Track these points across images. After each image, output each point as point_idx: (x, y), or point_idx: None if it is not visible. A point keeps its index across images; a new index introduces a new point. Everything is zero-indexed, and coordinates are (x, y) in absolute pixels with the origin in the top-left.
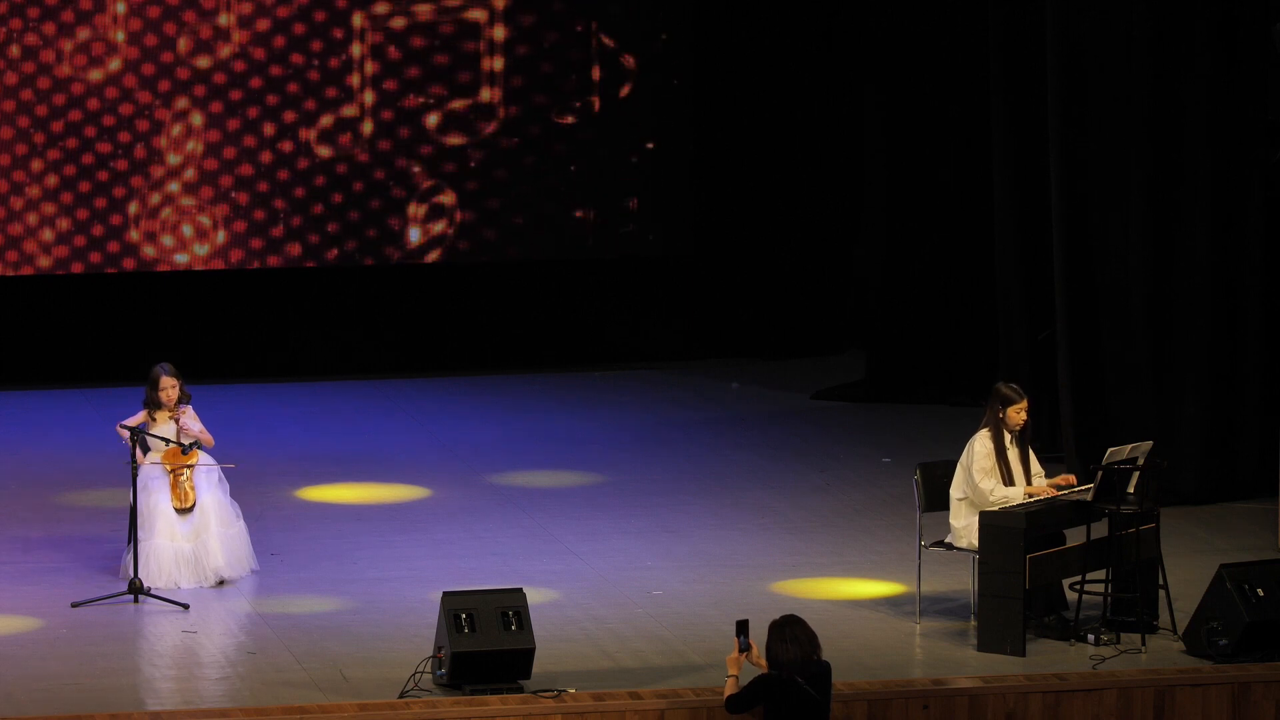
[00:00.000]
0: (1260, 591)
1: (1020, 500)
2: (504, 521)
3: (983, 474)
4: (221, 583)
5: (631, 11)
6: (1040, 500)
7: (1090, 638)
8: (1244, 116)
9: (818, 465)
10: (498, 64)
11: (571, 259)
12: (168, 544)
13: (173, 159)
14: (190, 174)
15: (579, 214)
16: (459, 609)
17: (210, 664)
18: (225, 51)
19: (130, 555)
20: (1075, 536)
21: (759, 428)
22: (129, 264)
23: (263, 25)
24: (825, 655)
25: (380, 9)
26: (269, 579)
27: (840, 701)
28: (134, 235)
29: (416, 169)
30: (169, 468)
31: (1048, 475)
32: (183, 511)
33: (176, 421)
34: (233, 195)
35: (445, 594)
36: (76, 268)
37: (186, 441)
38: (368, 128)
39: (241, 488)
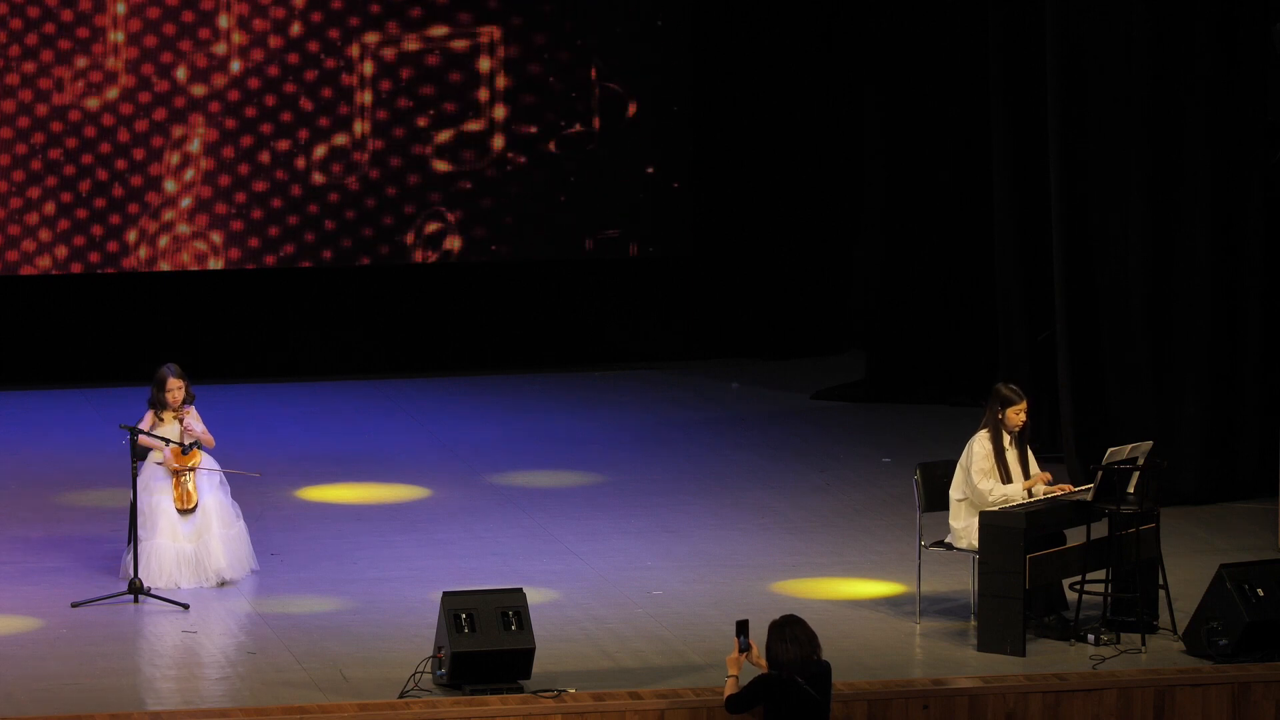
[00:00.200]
0: (1260, 591)
1: (1019, 499)
2: (504, 521)
3: (981, 475)
4: (223, 583)
5: (632, 12)
6: (1040, 500)
7: (1090, 638)
8: (1244, 117)
9: (818, 465)
10: (498, 59)
11: (572, 259)
12: (169, 544)
13: (173, 159)
14: (190, 174)
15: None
16: (459, 609)
17: (210, 664)
18: (223, 49)
19: (130, 555)
20: (1075, 536)
21: (759, 428)
22: (129, 264)
23: (261, 26)
24: (825, 655)
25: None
26: (269, 579)
27: (840, 701)
28: (133, 235)
29: (417, 168)
30: (172, 468)
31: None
32: (185, 512)
33: (180, 422)
34: (233, 195)
35: (445, 594)
36: (76, 268)
37: (187, 442)
38: (368, 129)
39: (242, 488)
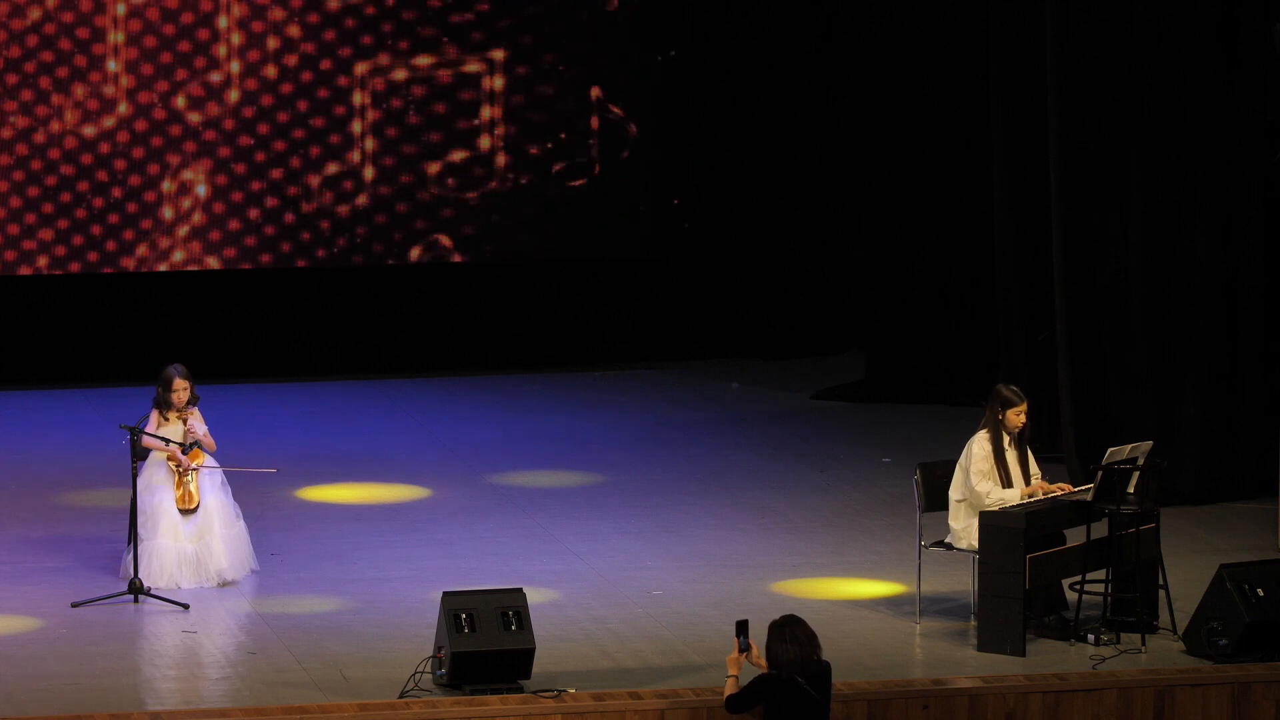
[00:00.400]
0: (1260, 591)
1: (1018, 503)
2: (504, 521)
3: (980, 476)
4: (224, 583)
5: (631, 14)
6: (1040, 500)
7: (1090, 638)
8: (1244, 117)
9: (818, 465)
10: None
11: (572, 259)
12: (170, 544)
13: (173, 159)
14: (190, 174)
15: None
16: (459, 609)
17: (210, 664)
18: (223, 50)
19: (130, 555)
20: (1075, 536)
21: (759, 428)
22: (128, 264)
23: (261, 28)
24: (825, 655)
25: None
26: (269, 579)
27: (840, 701)
28: (133, 235)
29: (417, 170)
30: (175, 468)
31: (1047, 477)
32: (186, 512)
33: (184, 423)
34: (233, 195)
35: (445, 594)
36: (74, 267)
37: (188, 442)
38: (368, 126)
39: (242, 488)
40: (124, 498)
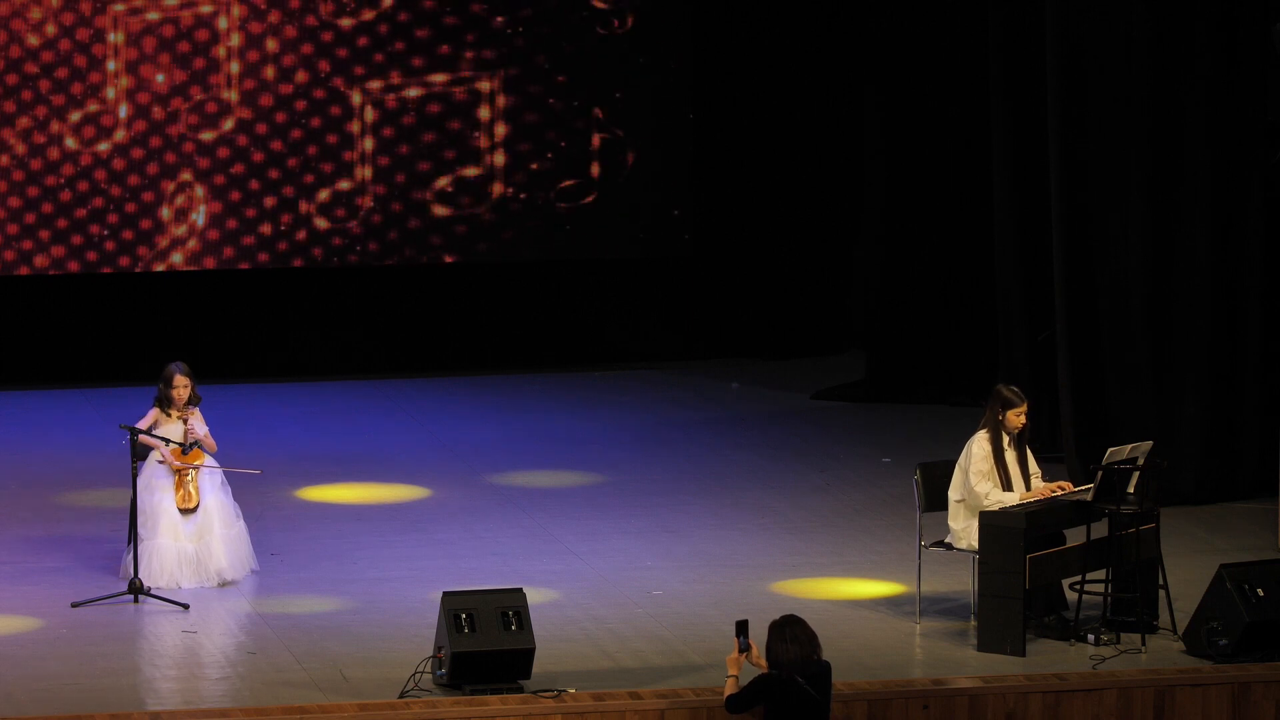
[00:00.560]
0: (1260, 591)
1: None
2: (504, 521)
3: (979, 477)
4: (224, 583)
5: (633, 19)
6: (1040, 500)
7: (1090, 638)
8: (1244, 117)
9: (818, 465)
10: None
11: (571, 259)
12: (171, 544)
13: (172, 159)
14: (188, 174)
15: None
16: (459, 609)
17: (210, 664)
18: (223, 52)
19: (130, 555)
20: (1075, 536)
21: (759, 428)
22: (128, 264)
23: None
24: (825, 655)
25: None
26: (269, 579)
27: (840, 701)
28: (131, 234)
29: (418, 170)
30: (176, 467)
31: (1047, 476)
32: (186, 512)
33: (184, 423)
34: (232, 196)
35: (445, 594)
36: (74, 267)
37: (188, 442)
38: (368, 127)
39: (242, 488)
40: (124, 498)
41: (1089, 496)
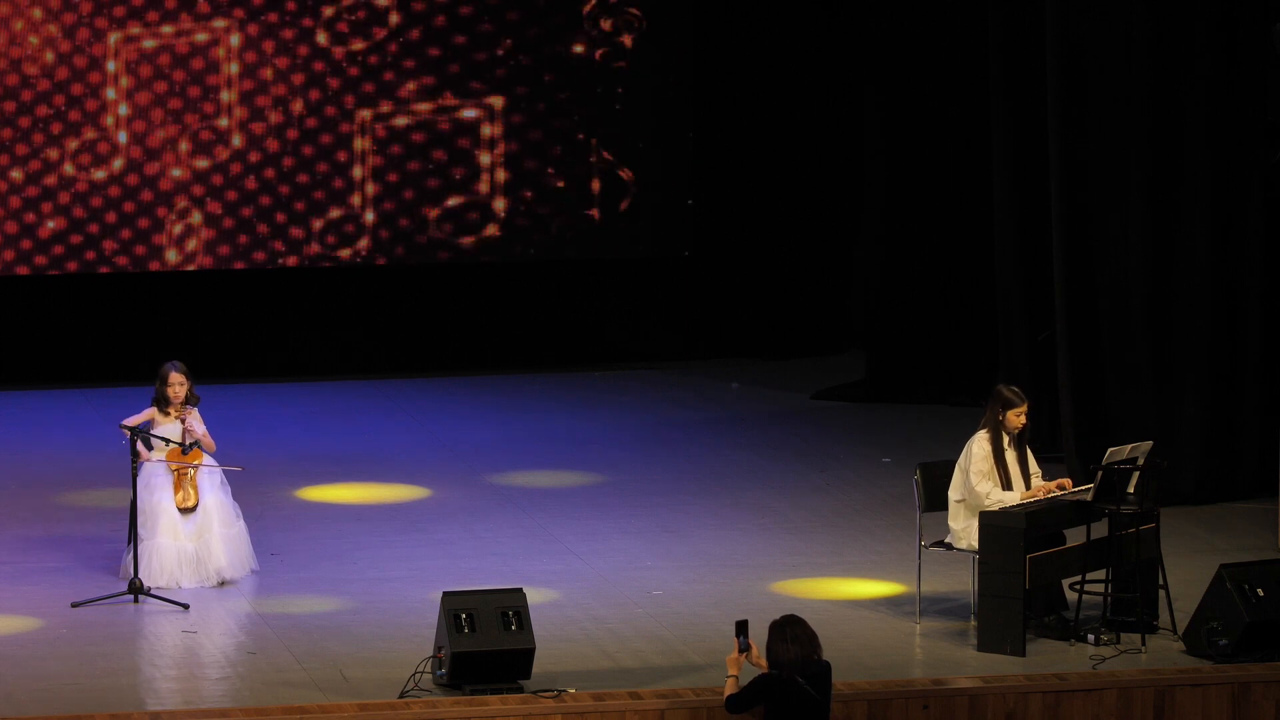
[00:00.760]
0: (1260, 591)
1: (1017, 504)
2: (504, 521)
3: (980, 476)
4: (223, 583)
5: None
6: (1040, 500)
7: (1090, 638)
8: (1244, 117)
9: (818, 465)
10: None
11: (571, 259)
12: (170, 543)
13: (170, 159)
14: (184, 174)
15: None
16: (459, 609)
17: (210, 664)
18: (222, 52)
19: (130, 555)
20: (1075, 536)
21: (759, 428)
22: (128, 264)
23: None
24: (825, 655)
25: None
26: (269, 579)
27: (840, 701)
28: (130, 234)
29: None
30: (173, 467)
31: (1047, 476)
32: (185, 511)
33: (182, 422)
34: (230, 197)
35: (445, 594)
36: (72, 266)
37: (188, 442)
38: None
39: (241, 488)
40: (124, 498)
41: (1089, 496)
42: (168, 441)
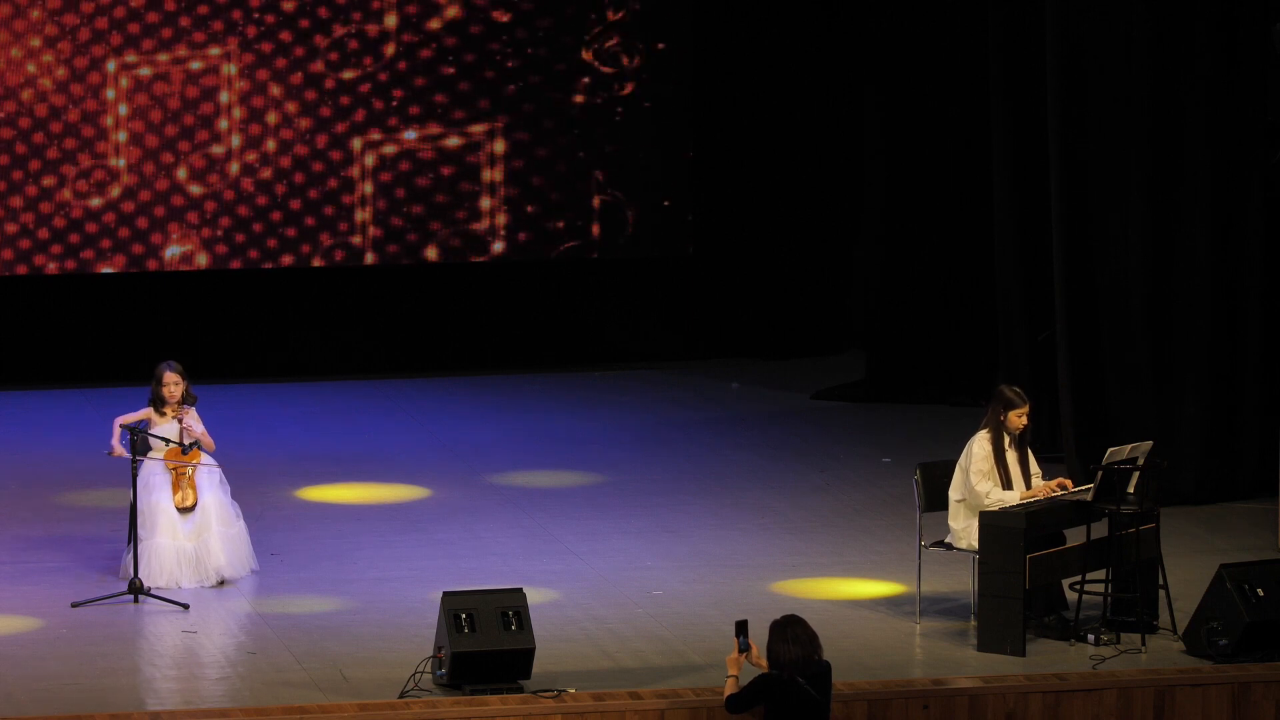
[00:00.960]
0: (1260, 591)
1: (1017, 503)
2: (504, 521)
3: (980, 476)
4: (222, 582)
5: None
6: (1040, 500)
7: (1090, 638)
8: (1244, 117)
9: (818, 465)
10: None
11: (571, 259)
12: (169, 543)
13: (168, 159)
14: (184, 174)
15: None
16: (459, 609)
17: (210, 664)
18: (220, 52)
19: (130, 555)
20: (1075, 536)
21: (759, 428)
22: (128, 264)
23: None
24: (825, 655)
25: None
26: (269, 579)
27: (840, 701)
28: (128, 233)
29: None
30: (170, 467)
31: (1047, 476)
32: (184, 511)
33: (180, 422)
34: (229, 197)
35: (445, 594)
36: (71, 265)
37: (187, 442)
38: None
39: (241, 488)
40: (124, 498)
41: (1089, 496)
42: (167, 441)
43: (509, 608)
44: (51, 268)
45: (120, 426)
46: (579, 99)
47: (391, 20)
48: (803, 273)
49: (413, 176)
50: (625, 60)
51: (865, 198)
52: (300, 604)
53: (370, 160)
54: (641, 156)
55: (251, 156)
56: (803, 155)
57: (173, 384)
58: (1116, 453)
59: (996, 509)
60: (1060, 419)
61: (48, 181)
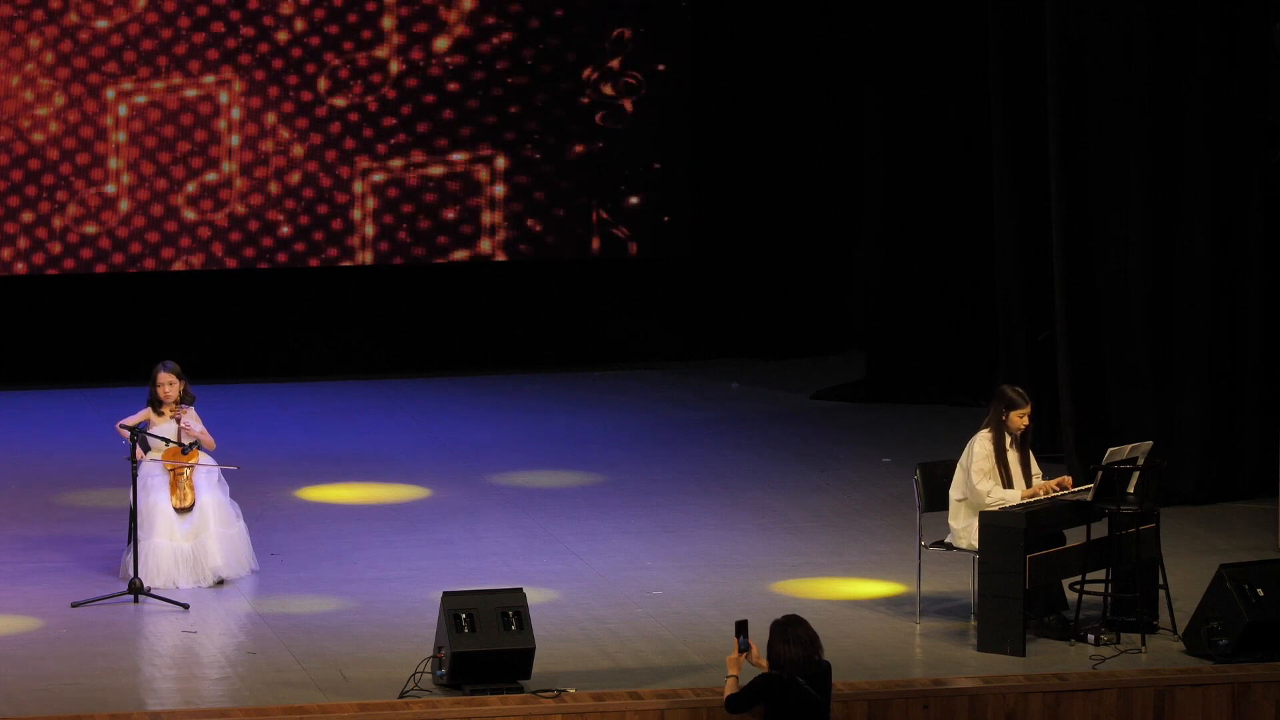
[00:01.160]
0: (1260, 591)
1: (1018, 503)
2: (504, 521)
3: (981, 475)
4: (220, 582)
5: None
6: (1040, 500)
7: (1090, 638)
8: (1244, 117)
9: (818, 465)
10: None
11: (571, 259)
12: (167, 543)
13: (167, 158)
14: (182, 173)
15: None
16: (459, 609)
17: (210, 664)
18: (219, 54)
19: (130, 555)
20: (1075, 536)
21: (759, 428)
22: (128, 264)
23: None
24: (825, 655)
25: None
26: (269, 579)
27: (840, 701)
28: (126, 233)
29: (419, 169)
30: (169, 467)
31: (1047, 476)
32: (182, 511)
33: (178, 421)
34: (227, 197)
35: (445, 594)
36: (70, 265)
37: (187, 441)
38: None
39: (241, 488)
40: (124, 498)
41: (1089, 496)
42: (166, 441)
43: (509, 608)
44: (51, 268)
45: (121, 428)
46: (584, 100)
47: (395, 35)
48: (803, 273)
49: (419, 192)
50: (626, 61)
51: (865, 198)
52: (300, 604)
53: (377, 177)
54: (642, 156)
55: (249, 157)
56: (803, 155)
57: (168, 384)
58: (1116, 453)
59: (997, 508)
60: (1060, 419)
61: (47, 180)
